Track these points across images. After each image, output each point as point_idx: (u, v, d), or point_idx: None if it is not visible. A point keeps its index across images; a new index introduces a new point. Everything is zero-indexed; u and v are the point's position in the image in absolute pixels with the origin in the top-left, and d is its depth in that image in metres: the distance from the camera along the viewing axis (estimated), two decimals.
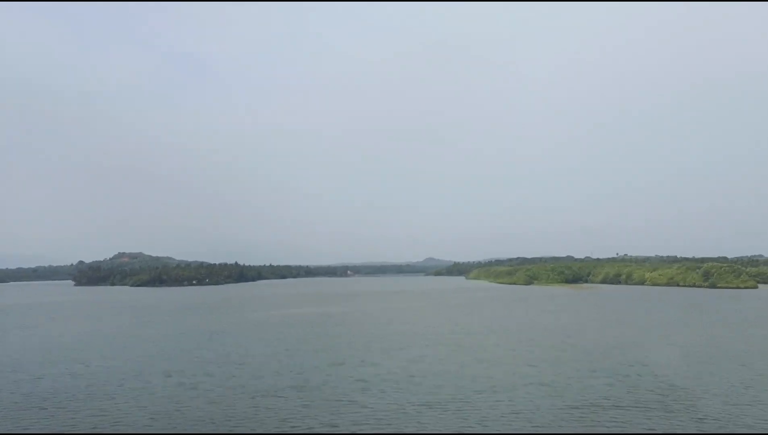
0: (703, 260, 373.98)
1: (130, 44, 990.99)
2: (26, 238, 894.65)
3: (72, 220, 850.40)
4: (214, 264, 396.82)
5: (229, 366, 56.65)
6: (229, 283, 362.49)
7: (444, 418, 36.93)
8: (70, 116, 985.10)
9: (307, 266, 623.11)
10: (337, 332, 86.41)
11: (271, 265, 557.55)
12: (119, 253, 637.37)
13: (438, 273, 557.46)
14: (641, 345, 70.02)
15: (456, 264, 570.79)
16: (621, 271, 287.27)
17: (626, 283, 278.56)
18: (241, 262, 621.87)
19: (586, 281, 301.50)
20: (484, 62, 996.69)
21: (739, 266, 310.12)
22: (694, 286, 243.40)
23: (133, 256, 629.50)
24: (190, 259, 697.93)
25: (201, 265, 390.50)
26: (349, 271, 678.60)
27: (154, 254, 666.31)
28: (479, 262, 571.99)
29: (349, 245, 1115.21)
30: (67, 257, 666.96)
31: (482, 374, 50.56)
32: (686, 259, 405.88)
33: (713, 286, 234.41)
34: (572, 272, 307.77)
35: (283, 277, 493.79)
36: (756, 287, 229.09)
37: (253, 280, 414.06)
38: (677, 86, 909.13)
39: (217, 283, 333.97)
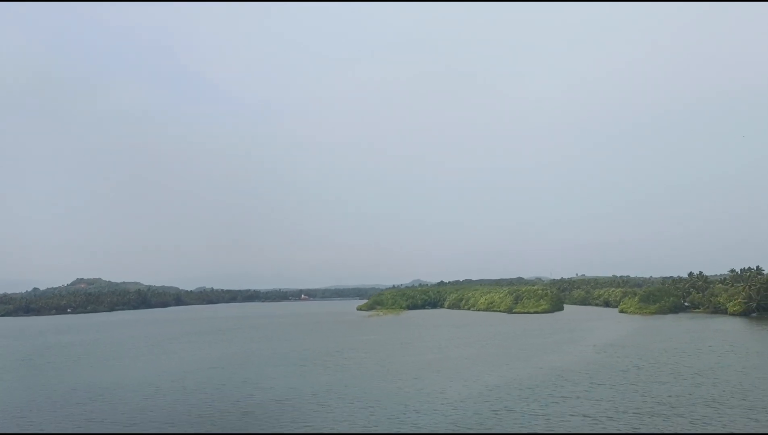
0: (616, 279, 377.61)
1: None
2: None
3: (38, 244, 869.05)
4: (104, 291, 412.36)
5: None
6: (125, 309, 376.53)
7: None
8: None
9: (255, 290, 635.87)
10: None
11: (211, 288, 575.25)
12: (77, 278, 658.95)
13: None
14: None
15: (393, 287, 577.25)
16: (463, 296, 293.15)
17: (464, 307, 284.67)
18: (214, 288, 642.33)
19: (437, 306, 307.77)
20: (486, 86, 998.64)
21: (589, 287, 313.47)
22: (502, 310, 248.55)
23: (91, 282, 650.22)
24: (158, 285, 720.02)
25: (80, 292, 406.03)
26: (303, 295, 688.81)
27: (115, 280, 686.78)
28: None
29: (344, 267, 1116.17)
30: (27, 283, 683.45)
31: None
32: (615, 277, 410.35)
33: (510, 311, 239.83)
34: (428, 297, 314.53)
35: (211, 302, 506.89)
36: (549, 312, 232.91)
37: (164, 306, 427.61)
38: (658, 107, 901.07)
39: (96, 311, 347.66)
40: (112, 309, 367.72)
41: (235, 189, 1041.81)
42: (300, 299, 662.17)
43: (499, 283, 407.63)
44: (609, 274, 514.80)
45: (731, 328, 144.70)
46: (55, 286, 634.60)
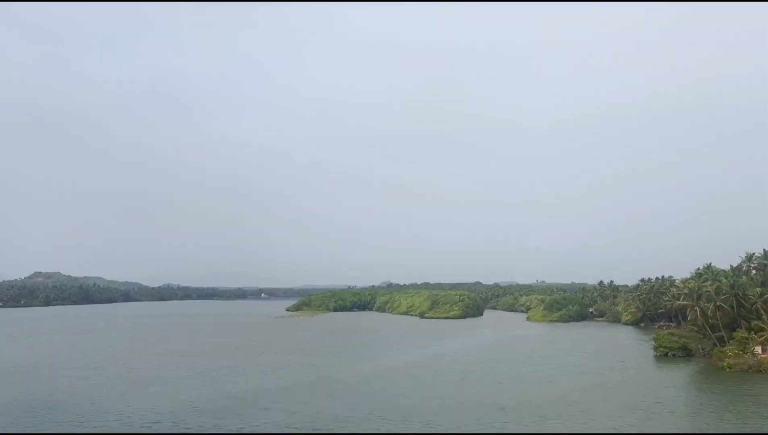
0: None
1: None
2: None
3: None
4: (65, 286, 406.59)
5: None
6: (64, 304, 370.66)
7: None
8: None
9: (213, 288, 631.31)
10: None
11: (169, 284, 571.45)
12: (35, 272, 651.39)
13: None
14: None
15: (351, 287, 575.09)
16: (389, 300, 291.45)
17: (389, 310, 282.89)
18: (181, 285, 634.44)
19: (366, 308, 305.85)
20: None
21: (512, 294, 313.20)
22: (417, 315, 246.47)
23: (49, 276, 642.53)
24: (121, 280, 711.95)
25: (15, 285, 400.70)
26: (263, 295, 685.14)
27: (76, 274, 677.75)
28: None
29: (318, 267, 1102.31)
30: None
31: None
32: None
33: (422, 315, 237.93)
34: (359, 299, 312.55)
35: (163, 299, 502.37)
36: (461, 317, 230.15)
37: (110, 301, 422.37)
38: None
39: (29, 305, 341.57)
40: (48, 304, 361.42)
41: (209, 185, 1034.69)
42: (260, 298, 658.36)
43: (443, 286, 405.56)
44: (569, 281, 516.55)
45: (600, 338, 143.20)
46: (11, 279, 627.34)
